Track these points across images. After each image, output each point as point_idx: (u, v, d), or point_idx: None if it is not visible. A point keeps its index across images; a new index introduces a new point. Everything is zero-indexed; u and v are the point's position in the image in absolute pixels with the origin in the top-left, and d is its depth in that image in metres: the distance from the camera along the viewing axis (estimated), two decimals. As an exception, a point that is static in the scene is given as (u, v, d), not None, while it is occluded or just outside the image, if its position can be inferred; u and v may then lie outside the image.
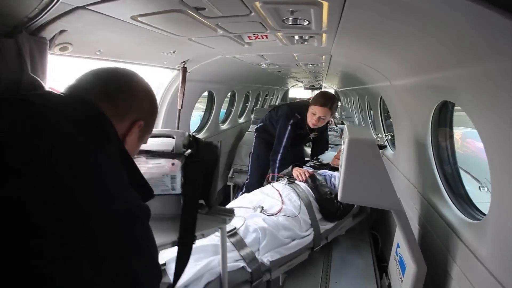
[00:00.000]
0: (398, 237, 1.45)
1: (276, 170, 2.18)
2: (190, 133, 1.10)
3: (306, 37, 1.13)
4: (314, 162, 2.40)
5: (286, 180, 1.95)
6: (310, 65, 2.19)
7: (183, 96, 1.78)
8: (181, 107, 1.81)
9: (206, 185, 1.03)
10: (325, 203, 1.82)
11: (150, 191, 0.63)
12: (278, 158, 2.20)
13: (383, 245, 2.25)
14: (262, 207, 1.66)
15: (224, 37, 1.22)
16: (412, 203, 1.63)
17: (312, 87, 7.82)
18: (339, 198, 1.14)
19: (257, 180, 2.22)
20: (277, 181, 2.04)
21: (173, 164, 1.00)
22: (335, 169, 2.20)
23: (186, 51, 1.54)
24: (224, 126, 3.59)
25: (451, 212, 1.21)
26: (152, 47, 1.30)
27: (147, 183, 0.62)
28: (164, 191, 0.99)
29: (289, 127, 2.21)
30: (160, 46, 1.32)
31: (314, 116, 2.13)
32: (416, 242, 1.18)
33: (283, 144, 2.21)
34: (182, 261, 0.89)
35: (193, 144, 1.03)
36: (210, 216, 1.08)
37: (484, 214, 1.06)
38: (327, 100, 2.09)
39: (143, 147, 1.06)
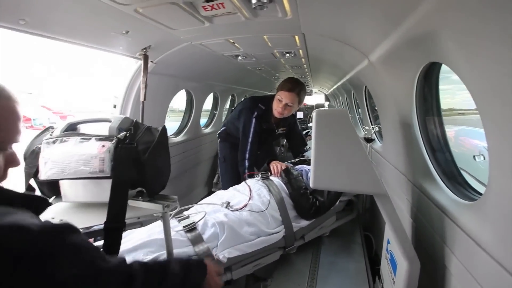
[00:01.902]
0: (388, 232, 1.27)
1: (246, 170, 1.99)
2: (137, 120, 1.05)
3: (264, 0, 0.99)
4: (298, 159, 2.23)
5: (260, 176, 1.81)
6: (288, 54, 2.06)
7: (145, 87, 1.62)
8: (144, 99, 1.64)
9: (142, 170, 0.93)
10: (298, 198, 1.66)
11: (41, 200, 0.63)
12: (247, 157, 2.02)
13: (377, 247, 2.05)
14: (229, 203, 1.52)
15: (175, 7, 1.08)
16: (403, 193, 1.46)
17: (302, 93, 7.78)
18: (311, 184, 0.96)
19: (229, 184, 2.01)
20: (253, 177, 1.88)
21: (103, 146, 0.91)
22: None
23: (143, 34, 1.40)
24: (208, 130, 3.43)
25: (444, 195, 1.03)
26: (96, 22, 1.15)
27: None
28: (92, 174, 0.90)
29: (253, 120, 2.03)
30: (105, 21, 1.16)
31: (280, 103, 1.96)
32: (405, 233, 1.00)
33: (250, 139, 2.03)
34: (111, 249, 0.82)
35: (132, 129, 0.97)
36: (154, 204, 0.99)
37: (481, 194, 0.90)
38: (294, 85, 1.95)
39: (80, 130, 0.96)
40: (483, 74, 0.64)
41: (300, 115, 7.67)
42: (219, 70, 2.63)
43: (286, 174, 1.78)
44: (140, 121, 1.71)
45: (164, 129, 1.04)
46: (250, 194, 1.61)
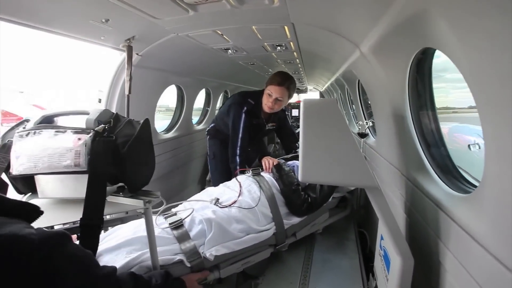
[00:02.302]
0: (381, 227, 1.23)
1: (237, 167, 1.94)
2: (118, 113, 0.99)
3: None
4: (291, 155, 2.19)
5: (251, 172, 1.76)
6: (279, 47, 2.00)
7: (130, 80, 1.56)
8: (129, 92, 1.58)
9: (121, 165, 0.88)
10: (290, 194, 1.62)
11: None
12: (238, 153, 1.97)
13: (371, 244, 2.02)
14: (218, 199, 1.48)
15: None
16: (397, 188, 1.42)
17: (298, 90, 7.71)
18: (299, 178, 0.91)
19: (219, 181, 1.92)
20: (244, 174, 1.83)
21: (79, 139, 0.86)
22: None
23: (125, 24, 1.33)
24: (200, 127, 3.36)
25: (438, 188, 0.99)
26: (71, 8, 1.08)
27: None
28: (67, 168, 0.85)
29: (243, 115, 1.99)
30: (82, 8, 1.10)
31: (270, 98, 1.92)
32: (398, 228, 0.95)
33: (240, 135, 1.98)
34: (87, 247, 0.77)
35: (111, 121, 0.92)
36: (135, 200, 0.95)
37: (476, 187, 0.86)
38: (284, 79, 1.91)
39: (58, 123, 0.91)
40: (477, 52, 0.59)
41: (296, 112, 7.67)
42: (210, 65, 2.56)
43: (278, 170, 1.74)
44: (126, 115, 1.66)
45: (146, 122, 0.98)
46: (240, 191, 1.57)
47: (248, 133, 2.01)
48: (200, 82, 2.99)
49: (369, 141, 2.20)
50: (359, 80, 2.30)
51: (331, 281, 1.56)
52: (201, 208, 1.42)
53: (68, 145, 0.85)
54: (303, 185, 1.71)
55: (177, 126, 2.78)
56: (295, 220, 1.61)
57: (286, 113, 2.38)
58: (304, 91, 7.58)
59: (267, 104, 1.94)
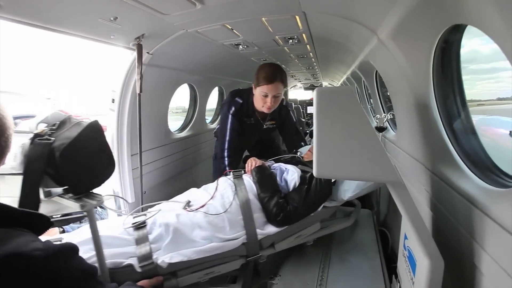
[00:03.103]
0: (405, 226, 1.14)
1: (227, 168, 1.80)
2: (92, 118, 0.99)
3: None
4: (290, 156, 1.95)
5: (232, 174, 1.61)
6: (291, 40, 1.93)
7: (141, 79, 1.56)
8: (141, 91, 1.58)
9: (57, 168, 0.88)
10: (266, 201, 1.44)
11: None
12: (225, 155, 1.84)
13: (393, 243, 1.91)
14: (189, 202, 1.39)
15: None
16: (421, 183, 1.31)
17: (312, 87, 7.55)
18: (314, 173, 0.85)
19: None
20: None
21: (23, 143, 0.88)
22: (310, 163, 1.76)
23: (133, 21, 1.32)
24: (214, 125, 3.36)
25: (471, 182, 0.89)
26: (79, 7, 1.07)
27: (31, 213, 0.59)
28: (4, 170, 0.85)
29: (230, 117, 1.85)
30: (90, 7, 1.09)
31: (266, 99, 1.74)
32: (425, 226, 0.86)
33: (227, 137, 1.84)
34: None
35: (57, 124, 0.93)
36: (73, 202, 0.94)
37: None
38: (273, 73, 1.69)
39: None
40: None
41: (310, 109, 7.51)
42: (222, 62, 2.53)
43: (257, 172, 1.56)
44: (137, 114, 1.67)
45: (92, 124, 0.94)
46: (214, 194, 1.44)
47: (238, 135, 1.87)
48: (213, 80, 2.98)
49: (388, 135, 2.08)
50: (376, 72, 2.19)
51: (351, 282, 1.47)
52: (168, 210, 1.34)
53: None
54: (285, 191, 1.53)
55: (190, 125, 2.79)
56: (272, 229, 1.44)
57: (288, 108, 2.10)
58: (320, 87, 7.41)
59: (265, 106, 1.77)
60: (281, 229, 1.45)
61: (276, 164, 1.72)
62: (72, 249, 0.58)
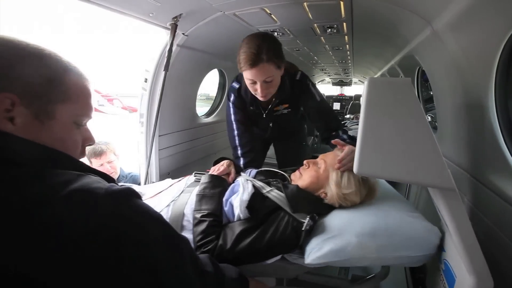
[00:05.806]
0: (447, 238, 1.04)
1: (243, 166, 1.52)
2: None
3: None
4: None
5: (194, 176, 1.30)
6: (330, 29, 1.83)
7: (169, 58, 1.56)
8: (167, 70, 1.58)
9: None
10: (196, 223, 1.04)
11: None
12: (239, 154, 1.54)
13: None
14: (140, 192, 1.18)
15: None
16: (463, 194, 1.20)
17: (341, 83, 7.28)
18: (354, 169, 0.78)
19: None
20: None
21: None
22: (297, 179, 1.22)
23: (173, 0, 1.30)
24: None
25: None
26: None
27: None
28: None
29: (231, 106, 1.57)
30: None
31: (255, 85, 1.30)
32: (475, 240, 0.78)
33: (235, 132, 1.55)
34: None
35: None
36: None
37: None
38: (255, 51, 1.21)
39: None
40: None
41: (337, 106, 7.27)
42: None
43: (202, 183, 1.16)
44: (160, 92, 1.67)
45: None
46: (159, 193, 1.18)
47: (247, 126, 1.58)
48: (242, 67, 2.93)
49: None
50: (419, 69, 2.04)
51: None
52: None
53: None
54: (227, 220, 1.07)
55: (217, 111, 2.78)
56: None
57: (307, 82, 1.50)
58: (348, 83, 7.13)
59: (257, 94, 1.35)
60: None
61: (238, 179, 1.23)
62: (132, 191, 0.57)
